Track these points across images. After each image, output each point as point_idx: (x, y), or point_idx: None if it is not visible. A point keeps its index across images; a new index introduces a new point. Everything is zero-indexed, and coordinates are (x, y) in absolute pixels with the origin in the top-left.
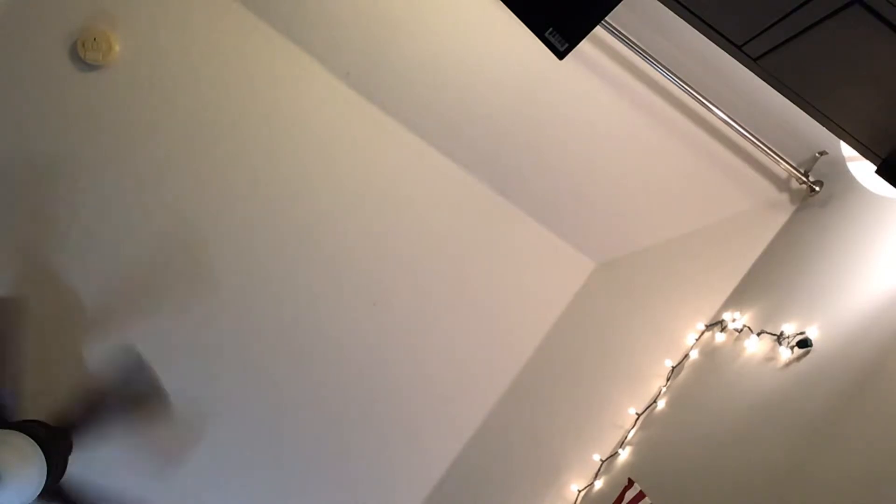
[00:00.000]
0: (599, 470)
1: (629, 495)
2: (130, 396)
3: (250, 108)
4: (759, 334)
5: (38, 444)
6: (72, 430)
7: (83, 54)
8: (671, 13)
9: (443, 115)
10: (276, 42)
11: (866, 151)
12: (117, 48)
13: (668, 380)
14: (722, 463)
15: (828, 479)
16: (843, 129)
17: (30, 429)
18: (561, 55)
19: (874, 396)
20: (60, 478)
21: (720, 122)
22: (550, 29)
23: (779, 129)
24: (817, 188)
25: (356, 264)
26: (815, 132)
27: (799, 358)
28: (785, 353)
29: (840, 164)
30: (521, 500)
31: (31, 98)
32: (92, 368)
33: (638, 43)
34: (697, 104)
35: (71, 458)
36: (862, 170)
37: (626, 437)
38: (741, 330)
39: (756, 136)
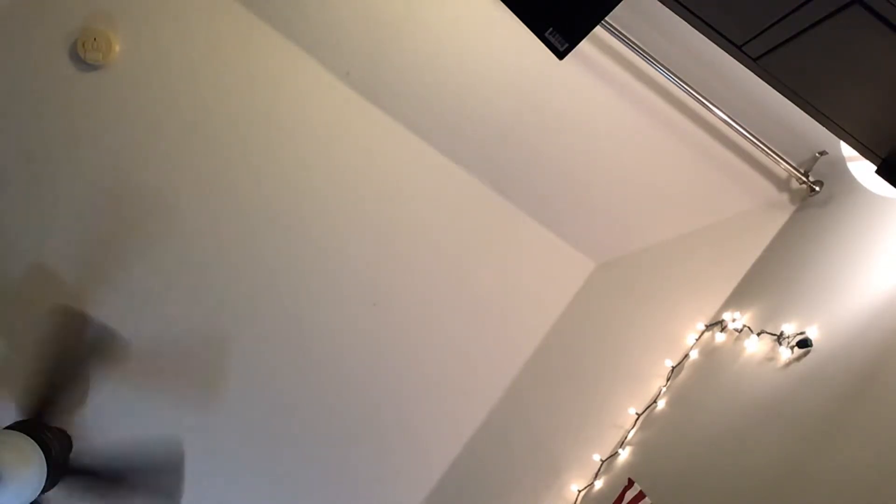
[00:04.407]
0: (599, 470)
1: (629, 495)
2: (85, 351)
3: (250, 108)
4: (759, 334)
5: (39, 445)
6: (53, 403)
7: (83, 54)
8: (671, 13)
9: (443, 115)
10: (276, 42)
11: (866, 151)
12: (117, 48)
13: (668, 380)
14: (722, 463)
15: (828, 478)
16: (843, 129)
17: (30, 429)
18: (561, 55)
19: (874, 396)
20: (60, 478)
21: (720, 122)
22: (550, 29)
23: (779, 129)
24: (817, 188)
25: (356, 264)
26: (815, 132)
27: (799, 358)
28: (785, 353)
29: (840, 164)
30: (521, 500)
31: (31, 98)
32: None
33: (638, 43)
34: (697, 104)
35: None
36: (862, 170)
37: (626, 437)
38: (741, 330)
39: (756, 136)
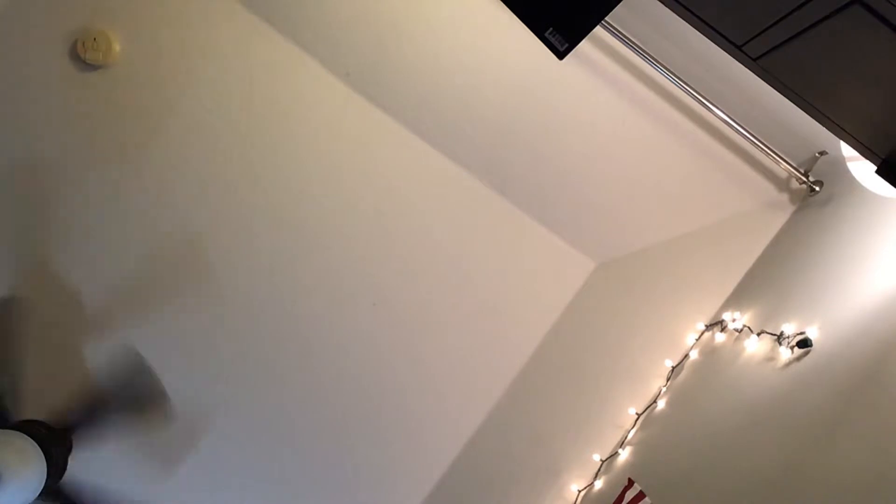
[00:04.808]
0: (599, 470)
1: (629, 495)
2: (131, 400)
3: (250, 108)
4: (759, 334)
5: (39, 445)
6: (72, 430)
7: (83, 54)
8: (671, 13)
9: (443, 115)
10: (276, 42)
11: (866, 151)
12: (117, 48)
13: (668, 380)
14: (722, 463)
15: (827, 479)
16: (843, 129)
17: (30, 429)
18: (561, 55)
19: (874, 396)
20: (60, 478)
21: (720, 122)
22: (550, 29)
23: (779, 129)
24: (817, 188)
25: (356, 264)
26: (815, 132)
27: (799, 358)
28: (785, 353)
29: (840, 164)
30: (521, 500)
31: (31, 98)
32: (93, 369)
33: (638, 43)
34: (697, 104)
35: (70, 458)
36: (862, 170)
37: (626, 437)
38: (741, 330)
39: (756, 136)
